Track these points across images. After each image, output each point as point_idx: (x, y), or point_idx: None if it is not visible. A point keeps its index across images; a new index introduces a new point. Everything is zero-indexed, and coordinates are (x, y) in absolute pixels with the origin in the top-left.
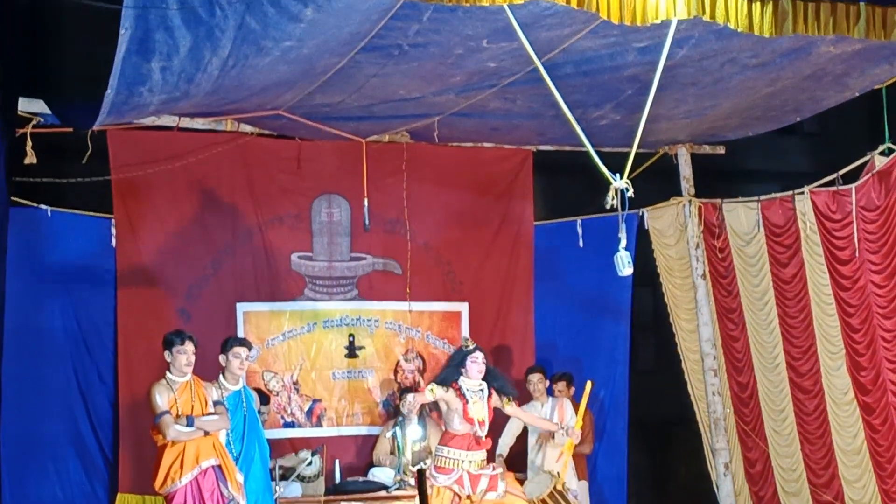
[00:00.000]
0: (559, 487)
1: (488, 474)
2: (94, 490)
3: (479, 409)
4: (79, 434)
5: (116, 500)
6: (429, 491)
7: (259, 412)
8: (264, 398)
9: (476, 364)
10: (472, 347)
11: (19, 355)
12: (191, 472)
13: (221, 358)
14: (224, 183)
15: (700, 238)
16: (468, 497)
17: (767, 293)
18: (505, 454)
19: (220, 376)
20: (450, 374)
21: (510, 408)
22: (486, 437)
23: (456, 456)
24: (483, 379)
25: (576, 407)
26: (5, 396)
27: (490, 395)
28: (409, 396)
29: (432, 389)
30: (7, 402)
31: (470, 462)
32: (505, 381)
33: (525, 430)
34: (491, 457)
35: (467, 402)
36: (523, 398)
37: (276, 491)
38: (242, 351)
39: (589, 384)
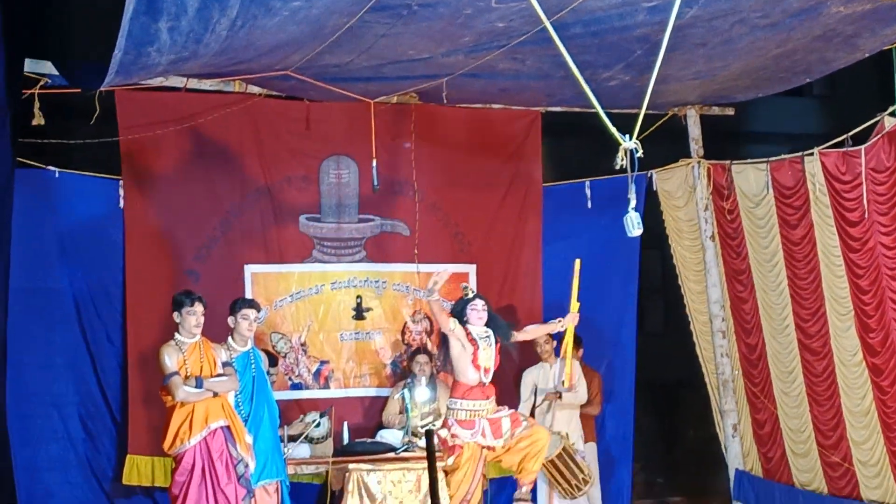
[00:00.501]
0: (568, 448)
1: (506, 414)
2: (103, 451)
3: (487, 357)
4: (88, 395)
5: (126, 462)
6: (454, 449)
7: (267, 373)
8: (272, 360)
9: (475, 311)
10: (471, 296)
11: (27, 316)
12: (200, 433)
13: (230, 320)
14: (232, 144)
15: (709, 200)
16: (491, 448)
17: (776, 255)
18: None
19: (229, 338)
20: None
21: (517, 335)
22: (490, 383)
23: (474, 407)
24: (487, 326)
25: (585, 368)
26: (11, 357)
27: (497, 342)
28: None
29: (454, 323)
30: (13, 363)
31: (486, 410)
32: (499, 323)
33: (534, 394)
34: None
35: (478, 347)
36: (532, 360)
37: (284, 452)
38: (251, 312)
39: (577, 262)
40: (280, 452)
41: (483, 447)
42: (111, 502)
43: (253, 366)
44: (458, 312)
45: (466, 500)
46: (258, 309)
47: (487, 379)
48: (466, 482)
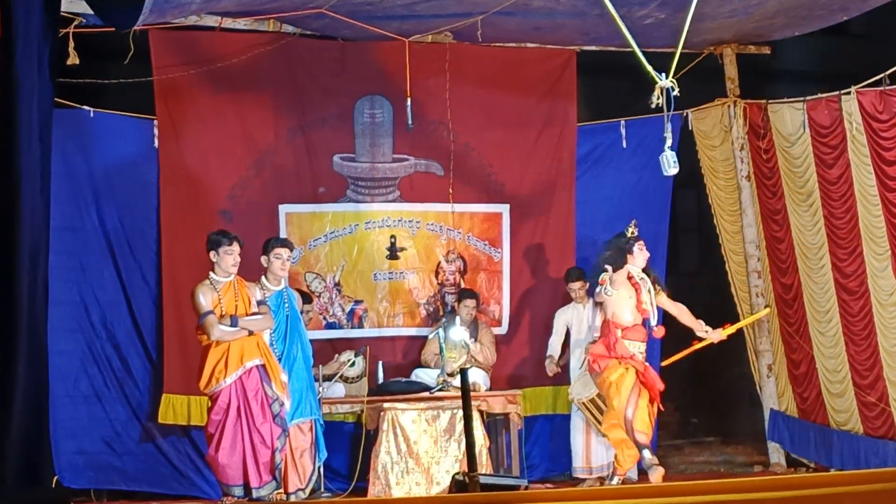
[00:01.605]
0: None
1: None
2: (140, 389)
3: (649, 299)
4: (126, 333)
5: (161, 401)
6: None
7: (302, 312)
8: (307, 298)
9: (643, 252)
10: (637, 234)
11: (65, 255)
12: (235, 371)
13: (263, 259)
14: (266, 84)
15: (745, 139)
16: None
17: (813, 194)
18: (556, 356)
19: (262, 277)
20: (615, 258)
21: (662, 297)
22: (659, 325)
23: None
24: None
25: None
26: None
27: (654, 285)
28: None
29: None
30: (53, 300)
31: (640, 353)
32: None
33: (567, 336)
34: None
35: (640, 290)
36: (563, 301)
37: (319, 392)
38: (284, 252)
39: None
40: (314, 391)
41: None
42: (148, 441)
43: (286, 305)
44: (622, 249)
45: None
46: (291, 248)
47: (654, 321)
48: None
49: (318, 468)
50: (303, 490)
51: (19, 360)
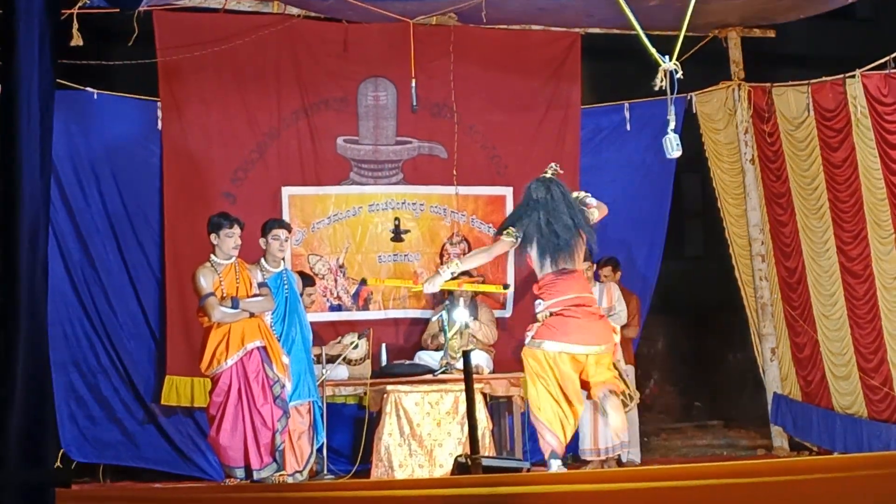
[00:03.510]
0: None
1: None
2: (143, 370)
3: None
4: (128, 314)
5: (164, 383)
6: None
7: (304, 294)
8: (309, 280)
9: None
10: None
11: (68, 236)
12: (236, 353)
13: (261, 241)
14: (270, 66)
15: (749, 122)
16: None
17: (817, 178)
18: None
19: (262, 259)
20: None
21: None
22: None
23: None
24: None
25: (623, 291)
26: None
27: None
28: None
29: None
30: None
31: None
32: None
33: None
34: None
35: None
36: None
37: (322, 374)
38: (282, 233)
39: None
40: (313, 373)
41: None
42: (152, 421)
43: (286, 287)
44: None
45: None
46: (289, 229)
47: None
48: None
49: (315, 451)
50: (300, 472)
51: (20, 341)
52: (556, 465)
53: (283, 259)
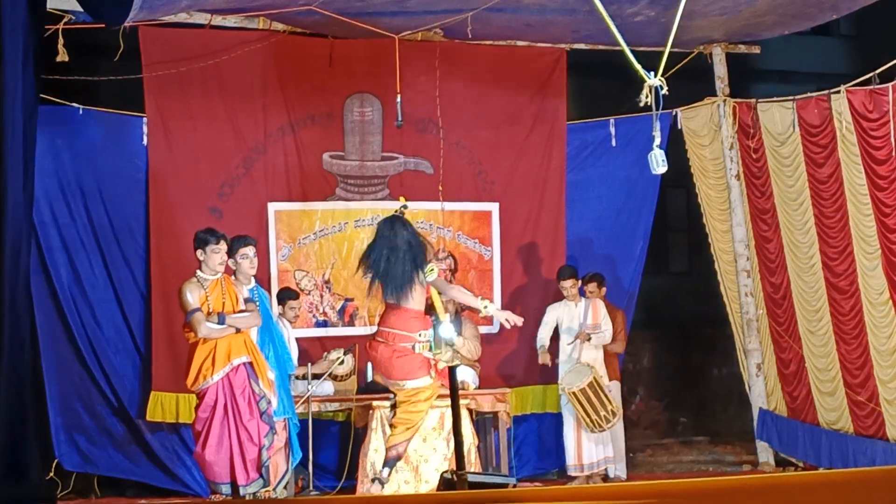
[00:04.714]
0: (597, 378)
1: None
2: (128, 386)
3: None
4: (114, 330)
5: (150, 398)
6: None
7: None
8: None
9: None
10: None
11: (54, 251)
12: (222, 369)
13: (230, 262)
14: (256, 82)
15: (734, 138)
16: None
17: (803, 193)
18: (547, 345)
19: (232, 278)
20: None
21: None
22: None
23: None
24: None
25: (608, 306)
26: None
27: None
28: None
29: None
30: (39, 297)
31: None
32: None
33: (556, 332)
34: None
35: None
36: (556, 299)
37: (307, 390)
38: (249, 250)
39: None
40: (287, 391)
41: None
42: (137, 437)
43: (257, 304)
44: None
45: None
46: (254, 244)
47: None
48: None
49: (291, 469)
50: (273, 490)
51: (2, 355)
52: None
53: (254, 277)
